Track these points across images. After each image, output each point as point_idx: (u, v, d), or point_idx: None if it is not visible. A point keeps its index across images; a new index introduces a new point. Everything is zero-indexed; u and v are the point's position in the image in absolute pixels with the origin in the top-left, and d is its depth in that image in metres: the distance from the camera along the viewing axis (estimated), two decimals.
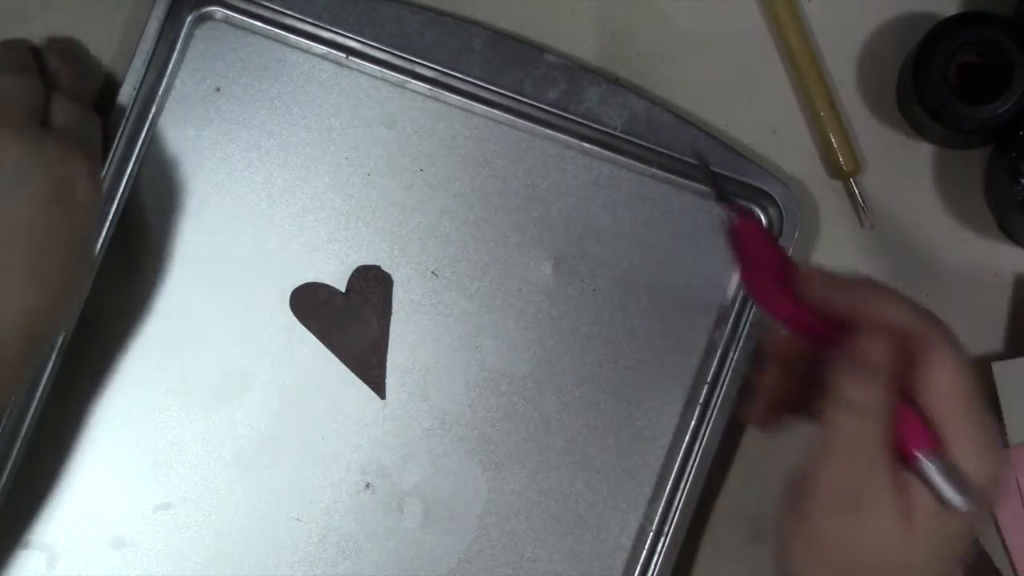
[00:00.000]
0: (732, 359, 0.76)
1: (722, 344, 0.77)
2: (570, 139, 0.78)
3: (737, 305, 0.77)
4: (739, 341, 0.76)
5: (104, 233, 0.76)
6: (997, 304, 0.79)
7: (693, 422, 0.77)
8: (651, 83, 0.79)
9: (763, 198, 0.77)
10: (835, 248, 0.79)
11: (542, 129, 0.78)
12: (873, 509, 0.57)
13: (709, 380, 0.77)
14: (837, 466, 0.58)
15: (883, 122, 0.79)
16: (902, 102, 0.79)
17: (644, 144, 0.77)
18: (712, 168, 0.71)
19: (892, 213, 0.79)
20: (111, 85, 0.77)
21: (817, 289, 0.61)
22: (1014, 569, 0.75)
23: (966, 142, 0.78)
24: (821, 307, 0.61)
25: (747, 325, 0.76)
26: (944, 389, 0.58)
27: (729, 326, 0.77)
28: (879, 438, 0.57)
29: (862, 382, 0.58)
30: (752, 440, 0.77)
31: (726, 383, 0.76)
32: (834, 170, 0.78)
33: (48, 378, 0.76)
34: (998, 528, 0.75)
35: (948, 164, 0.79)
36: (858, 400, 0.58)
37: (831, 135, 0.77)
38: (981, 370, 0.77)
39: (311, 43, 0.78)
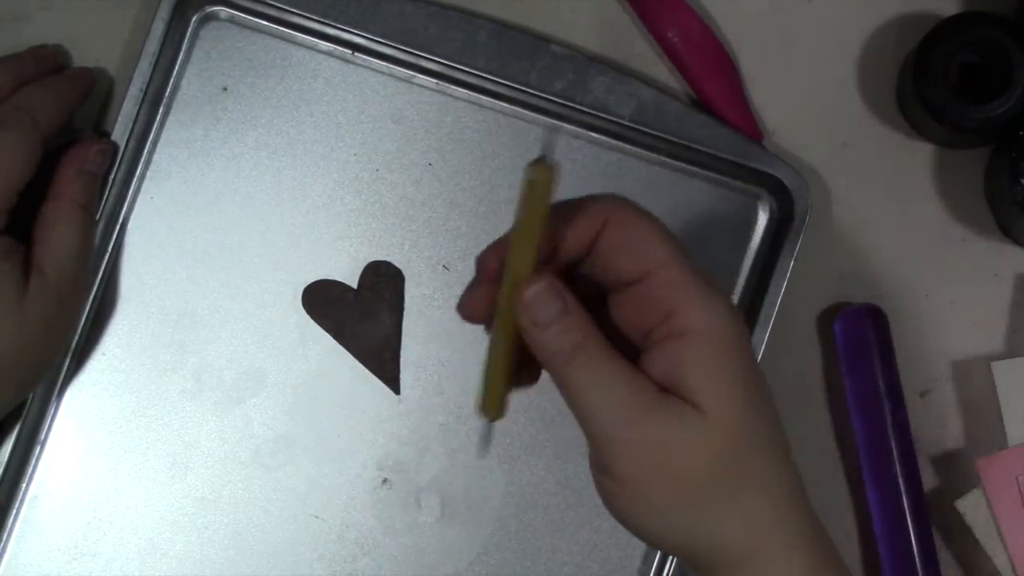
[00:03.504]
0: None
1: None
2: (578, 129, 0.78)
3: (750, 292, 0.77)
4: (752, 328, 0.76)
5: (114, 236, 0.76)
6: (997, 304, 0.79)
7: None
8: (658, 71, 0.79)
9: (773, 184, 0.77)
10: (843, 237, 0.79)
11: (550, 120, 0.78)
12: (651, 421, 0.55)
13: None
14: (591, 399, 0.55)
15: (883, 122, 0.79)
16: (902, 102, 0.79)
17: (652, 133, 0.77)
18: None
19: (892, 213, 0.79)
20: (115, 87, 0.78)
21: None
22: (1014, 569, 0.75)
23: (966, 142, 0.78)
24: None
25: (759, 313, 0.76)
26: (646, 243, 0.56)
27: (742, 313, 0.77)
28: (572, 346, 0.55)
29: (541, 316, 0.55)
30: None
31: None
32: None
33: (62, 382, 0.76)
34: (998, 528, 0.75)
35: (948, 164, 0.79)
36: (564, 347, 0.55)
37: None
38: (981, 370, 0.77)
39: (317, 40, 0.78)
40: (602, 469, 0.56)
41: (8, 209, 0.70)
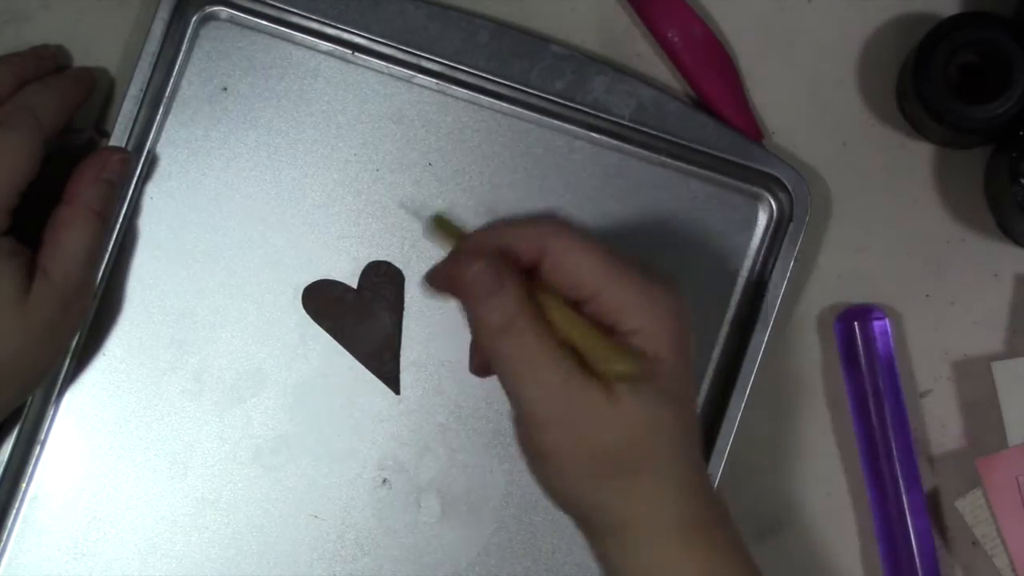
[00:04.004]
0: (745, 346, 0.76)
1: (735, 331, 0.77)
2: (578, 129, 0.78)
3: (749, 292, 0.77)
4: (752, 328, 0.76)
5: (114, 236, 0.76)
6: (997, 304, 0.79)
7: (709, 409, 0.77)
8: (658, 70, 0.79)
9: (773, 184, 0.77)
10: (844, 235, 0.79)
11: (550, 120, 0.78)
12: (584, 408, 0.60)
13: (723, 367, 0.77)
14: (530, 387, 0.60)
15: (883, 122, 0.79)
16: (902, 102, 0.79)
17: (652, 132, 0.77)
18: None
19: (892, 213, 0.79)
20: (115, 87, 0.78)
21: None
22: (1014, 569, 0.75)
23: (966, 142, 0.78)
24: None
25: (759, 313, 0.76)
26: (582, 266, 0.61)
27: (742, 313, 0.77)
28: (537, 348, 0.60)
29: (487, 304, 0.61)
30: (754, 438, 0.77)
31: (740, 369, 0.75)
32: None
33: (62, 382, 0.76)
34: (998, 528, 0.75)
35: (948, 164, 0.79)
36: (496, 320, 0.60)
37: None
38: (981, 370, 0.77)
39: (317, 40, 0.78)
40: (524, 439, 0.62)
41: (10, 209, 0.70)
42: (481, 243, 0.63)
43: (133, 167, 0.75)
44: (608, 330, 0.61)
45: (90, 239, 0.71)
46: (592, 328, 0.61)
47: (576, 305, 0.62)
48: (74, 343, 0.75)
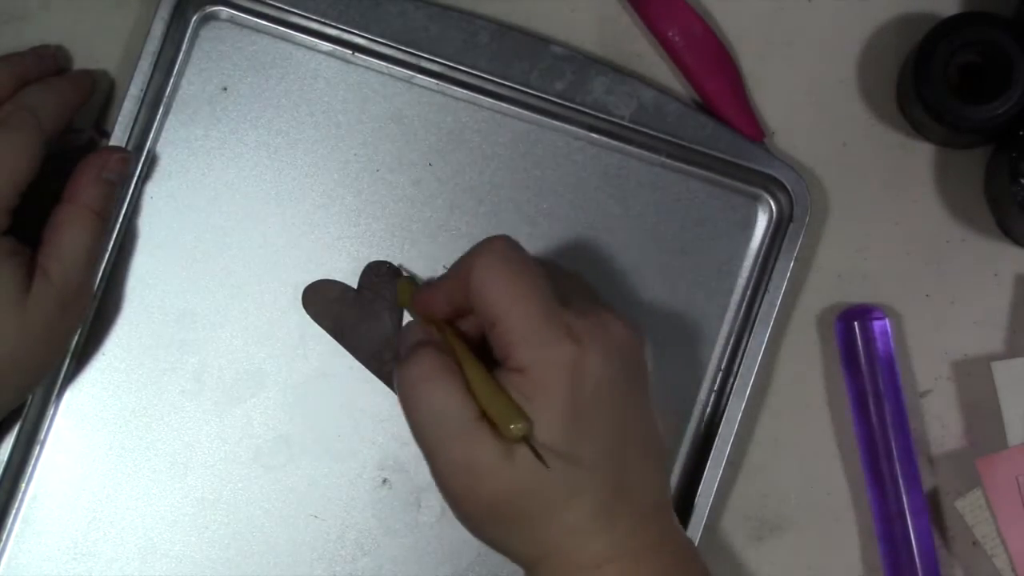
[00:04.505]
0: (745, 346, 0.76)
1: (735, 331, 0.77)
2: (578, 130, 0.78)
3: (749, 292, 0.77)
4: (752, 328, 0.76)
5: (114, 236, 0.76)
6: (997, 304, 0.79)
7: (708, 409, 0.77)
8: (658, 71, 0.79)
9: (773, 184, 0.77)
10: (844, 235, 0.79)
11: (550, 121, 0.78)
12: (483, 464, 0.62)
13: (723, 367, 0.77)
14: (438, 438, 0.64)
15: (883, 122, 0.79)
16: (902, 102, 0.79)
17: (652, 133, 0.77)
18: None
19: (892, 213, 0.79)
20: (115, 87, 0.78)
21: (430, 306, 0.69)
22: (1014, 569, 0.75)
23: (966, 142, 0.78)
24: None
25: (759, 312, 0.76)
26: (482, 285, 0.63)
27: (742, 313, 0.77)
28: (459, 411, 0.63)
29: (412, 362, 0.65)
30: (754, 438, 0.77)
31: (740, 369, 0.75)
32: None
33: (62, 382, 0.76)
34: (998, 528, 0.75)
35: (948, 164, 0.79)
36: (412, 372, 0.64)
37: None
38: (981, 370, 0.77)
39: (317, 41, 0.78)
40: (435, 483, 0.65)
41: (10, 209, 0.70)
42: (429, 297, 0.68)
43: (133, 167, 0.75)
44: (505, 355, 0.63)
45: (90, 239, 0.71)
46: (489, 379, 0.63)
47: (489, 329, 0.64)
48: (74, 343, 0.75)
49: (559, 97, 0.77)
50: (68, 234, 0.70)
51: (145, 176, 0.77)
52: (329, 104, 0.78)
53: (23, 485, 0.76)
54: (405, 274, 0.76)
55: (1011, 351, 0.78)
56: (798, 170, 0.77)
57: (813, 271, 0.78)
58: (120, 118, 0.75)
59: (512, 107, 0.78)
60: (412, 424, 0.65)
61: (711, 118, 0.77)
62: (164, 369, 0.77)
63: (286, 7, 0.77)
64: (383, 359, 0.77)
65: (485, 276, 0.63)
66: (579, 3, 0.79)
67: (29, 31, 0.78)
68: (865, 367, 0.76)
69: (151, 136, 0.77)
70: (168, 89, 0.77)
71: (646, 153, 0.78)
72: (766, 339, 0.75)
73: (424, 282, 0.69)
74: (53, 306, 0.70)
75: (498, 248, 0.65)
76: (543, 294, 0.64)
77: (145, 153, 0.77)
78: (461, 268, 0.65)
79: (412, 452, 0.77)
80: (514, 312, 0.63)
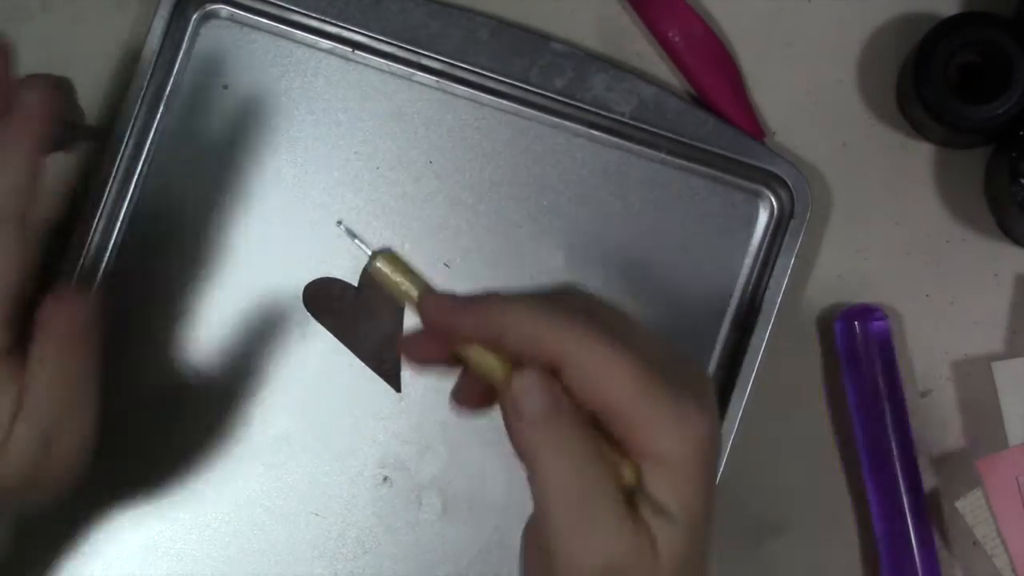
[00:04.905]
0: (746, 345, 0.76)
1: (735, 329, 0.77)
2: (578, 127, 0.78)
3: (750, 290, 0.77)
4: (752, 327, 0.76)
5: (114, 235, 0.76)
6: (997, 304, 0.79)
7: None
8: (658, 70, 0.79)
9: (774, 181, 0.77)
10: (844, 235, 0.79)
11: (550, 117, 0.78)
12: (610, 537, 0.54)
13: (723, 366, 0.77)
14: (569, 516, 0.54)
15: (883, 122, 0.79)
16: (902, 102, 0.78)
17: (652, 130, 0.77)
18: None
19: (892, 213, 0.79)
20: (115, 86, 0.78)
21: (444, 316, 0.57)
22: (1014, 569, 0.75)
23: (966, 142, 0.78)
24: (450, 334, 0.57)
25: (760, 311, 0.76)
26: (606, 383, 0.54)
27: (742, 312, 0.77)
28: (590, 473, 0.54)
29: (539, 429, 0.54)
30: (754, 438, 0.77)
31: (740, 369, 0.75)
32: None
33: None
34: (998, 528, 0.75)
35: (948, 164, 0.79)
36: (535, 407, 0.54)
37: None
38: (981, 370, 0.77)
39: (317, 38, 0.78)
40: (541, 546, 0.55)
41: (7, 319, 0.61)
42: (482, 323, 0.56)
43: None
44: (625, 450, 0.55)
45: (70, 379, 0.63)
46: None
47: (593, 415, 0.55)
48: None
49: (559, 94, 0.77)
50: (42, 375, 0.61)
51: (146, 175, 0.77)
52: (329, 102, 0.78)
53: None
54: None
55: (1011, 351, 0.78)
56: (799, 167, 0.76)
57: (813, 270, 0.78)
58: (120, 117, 0.75)
59: (512, 104, 0.78)
60: (540, 485, 0.55)
61: (711, 114, 0.77)
62: (164, 369, 0.77)
63: (286, 5, 0.76)
64: (384, 357, 0.77)
65: (602, 372, 0.54)
66: (579, 3, 0.79)
67: (29, 31, 0.78)
68: (865, 367, 0.76)
69: (151, 134, 0.77)
70: (168, 87, 0.77)
71: (646, 150, 0.78)
72: (766, 338, 0.75)
73: (443, 292, 0.58)
74: (35, 447, 0.61)
75: (596, 331, 0.54)
76: (656, 373, 0.54)
77: (145, 152, 0.77)
78: (551, 341, 0.54)
79: (413, 450, 0.77)
80: (644, 404, 0.54)
